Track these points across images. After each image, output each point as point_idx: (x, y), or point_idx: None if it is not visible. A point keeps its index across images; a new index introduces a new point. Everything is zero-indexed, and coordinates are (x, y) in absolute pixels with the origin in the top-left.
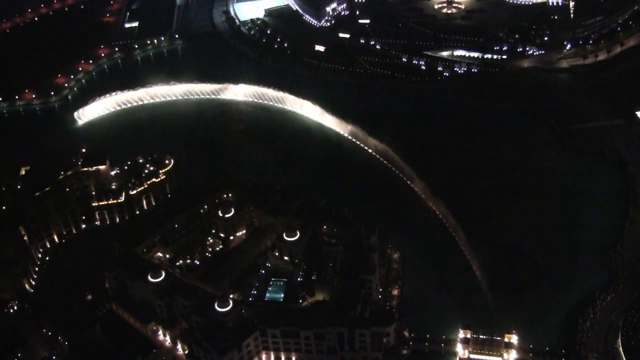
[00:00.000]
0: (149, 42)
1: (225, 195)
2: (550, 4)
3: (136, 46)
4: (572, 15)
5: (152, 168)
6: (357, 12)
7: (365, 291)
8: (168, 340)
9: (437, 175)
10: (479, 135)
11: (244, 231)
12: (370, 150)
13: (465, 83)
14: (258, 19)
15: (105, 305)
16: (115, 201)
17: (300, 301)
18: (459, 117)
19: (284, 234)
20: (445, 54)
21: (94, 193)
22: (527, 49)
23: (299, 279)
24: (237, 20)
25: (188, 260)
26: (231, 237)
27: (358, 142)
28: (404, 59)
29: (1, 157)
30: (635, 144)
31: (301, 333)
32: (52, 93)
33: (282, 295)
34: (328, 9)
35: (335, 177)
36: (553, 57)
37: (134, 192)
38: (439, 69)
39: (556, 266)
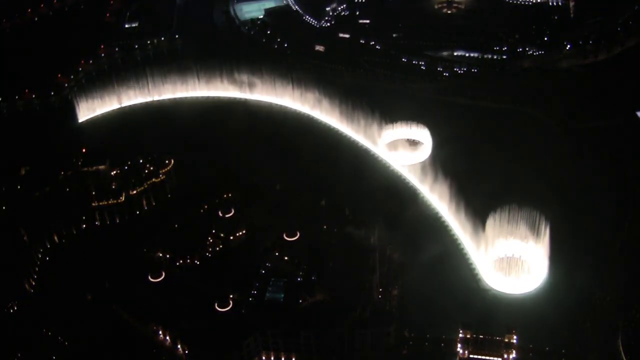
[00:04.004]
0: (149, 42)
1: (225, 195)
2: (550, 4)
3: (136, 46)
4: (572, 15)
5: (152, 168)
6: (357, 12)
7: (365, 291)
8: (168, 340)
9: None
10: (479, 136)
11: (244, 231)
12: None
13: (465, 83)
14: (258, 19)
15: (105, 305)
16: (115, 201)
17: (300, 301)
18: (458, 118)
19: (284, 234)
20: (445, 54)
21: (94, 193)
22: (527, 49)
23: (299, 279)
24: (237, 20)
25: (188, 260)
26: (231, 237)
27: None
28: (404, 59)
29: (1, 157)
30: (635, 144)
31: (301, 333)
32: (52, 93)
33: (282, 295)
34: (328, 9)
35: (334, 177)
36: (553, 57)
37: (134, 192)
38: (439, 69)
39: (556, 266)
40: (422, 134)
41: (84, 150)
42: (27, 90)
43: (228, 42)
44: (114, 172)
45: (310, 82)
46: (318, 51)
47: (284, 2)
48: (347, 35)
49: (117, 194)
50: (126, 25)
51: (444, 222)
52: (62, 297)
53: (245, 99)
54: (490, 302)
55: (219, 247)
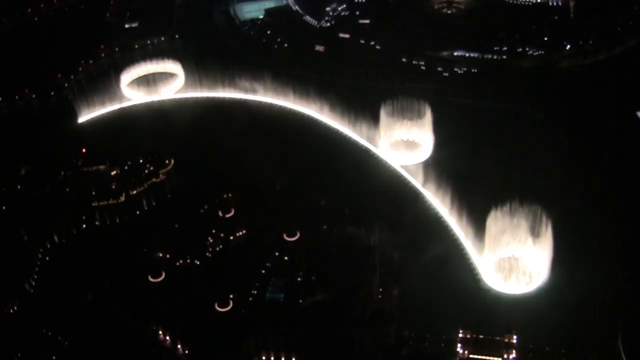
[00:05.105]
0: (149, 42)
1: (225, 195)
2: (550, 4)
3: (136, 46)
4: (572, 15)
5: (152, 168)
6: (357, 12)
7: (365, 291)
8: (168, 340)
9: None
10: (478, 136)
11: (244, 231)
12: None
13: (465, 83)
14: (258, 19)
15: (105, 305)
16: (115, 201)
17: (300, 301)
18: (458, 118)
19: (284, 234)
20: (445, 54)
21: (94, 193)
22: (527, 49)
23: (299, 279)
24: (237, 21)
25: (188, 260)
26: (231, 237)
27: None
28: (403, 59)
29: (1, 157)
30: (635, 144)
31: (301, 333)
32: (52, 93)
33: (282, 295)
34: (328, 9)
35: (334, 177)
36: (553, 57)
37: (134, 192)
38: (438, 69)
39: (556, 266)
40: (422, 134)
41: (84, 150)
42: (27, 90)
43: (228, 42)
44: (114, 172)
45: (310, 82)
46: (318, 51)
47: (284, 2)
48: (347, 35)
49: (117, 194)
50: (126, 25)
51: (444, 222)
52: (62, 297)
53: (246, 99)
54: (490, 302)
55: (219, 247)
